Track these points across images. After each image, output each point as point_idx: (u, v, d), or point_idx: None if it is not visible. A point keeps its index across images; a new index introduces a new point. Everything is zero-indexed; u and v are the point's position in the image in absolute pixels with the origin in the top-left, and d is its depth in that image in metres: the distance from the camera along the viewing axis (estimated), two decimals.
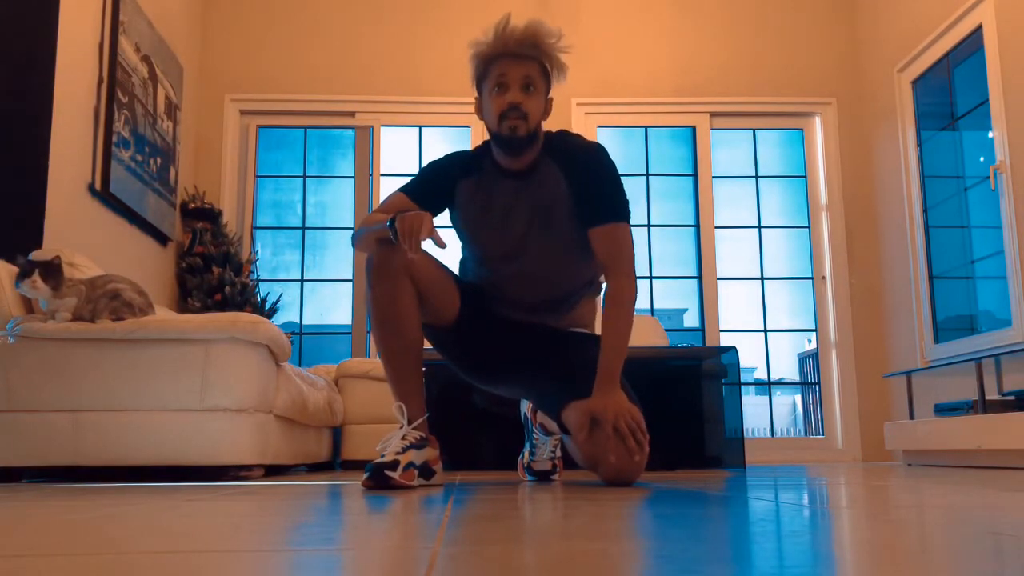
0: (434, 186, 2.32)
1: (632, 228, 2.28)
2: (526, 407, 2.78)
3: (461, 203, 2.30)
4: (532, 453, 2.73)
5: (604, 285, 2.31)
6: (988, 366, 4.22)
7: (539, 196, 2.24)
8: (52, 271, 2.73)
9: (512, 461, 3.91)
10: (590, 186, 2.22)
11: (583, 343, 2.35)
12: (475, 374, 2.46)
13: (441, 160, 2.38)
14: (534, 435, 2.71)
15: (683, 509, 1.38)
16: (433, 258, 2.29)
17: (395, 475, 2.02)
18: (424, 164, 2.41)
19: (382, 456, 2.07)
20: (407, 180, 2.38)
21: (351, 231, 5.51)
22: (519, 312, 2.38)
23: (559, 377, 2.28)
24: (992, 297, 4.56)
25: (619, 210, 2.23)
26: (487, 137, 2.31)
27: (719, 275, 5.63)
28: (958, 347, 4.68)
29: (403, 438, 2.12)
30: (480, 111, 2.29)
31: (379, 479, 2.01)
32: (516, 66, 2.20)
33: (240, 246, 5.22)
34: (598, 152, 2.26)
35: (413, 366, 2.21)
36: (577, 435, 2.15)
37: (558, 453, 2.73)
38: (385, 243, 2.15)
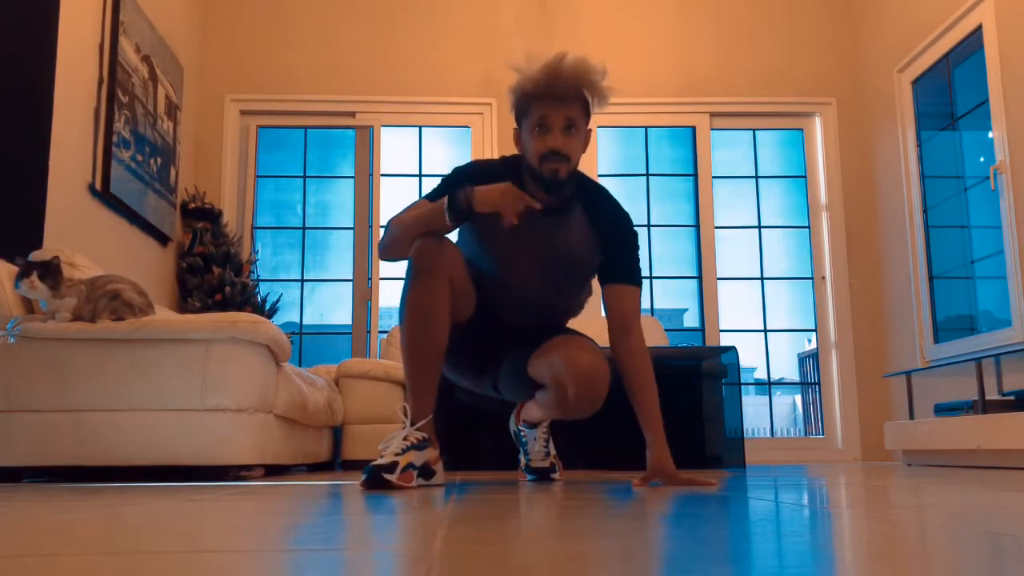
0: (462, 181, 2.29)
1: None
2: (512, 420, 2.79)
3: (483, 215, 2.21)
4: (527, 454, 2.74)
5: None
6: (988, 366, 4.22)
7: (564, 240, 2.28)
8: (50, 271, 2.73)
9: (513, 461, 3.91)
10: (622, 251, 2.34)
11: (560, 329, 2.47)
12: (467, 370, 2.51)
13: (468, 167, 2.36)
14: (522, 434, 2.71)
15: (683, 509, 1.38)
16: (462, 256, 2.29)
17: (392, 477, 2.02)
18: (449, 171, 2.37)
19: (381, 456, 2.07)
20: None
21: (351, 231, 5.52)
22: (508, 319, 2.44)
23: (531, 347, 2.35)
24: (992, 297, 4.56)
25: (639, 277, 2.38)
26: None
27: (719, 275, 5.63)
28: (958, 347, 4.68)
29: (405, 439, 2.12)
30: (519, 143, 2.28)
31: (376, 481, 2.01)
32: (559, 109, 2.18)
33: (240, 246, 5.22)
34: (629, 219, 2.39)
35: (434, 366, 2.22)
36: (534, 361, 2.27)
37: (552, 449, 2.74)
38: (431, 237, 2.17)
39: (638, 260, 2.39)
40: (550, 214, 2.25)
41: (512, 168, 2.29)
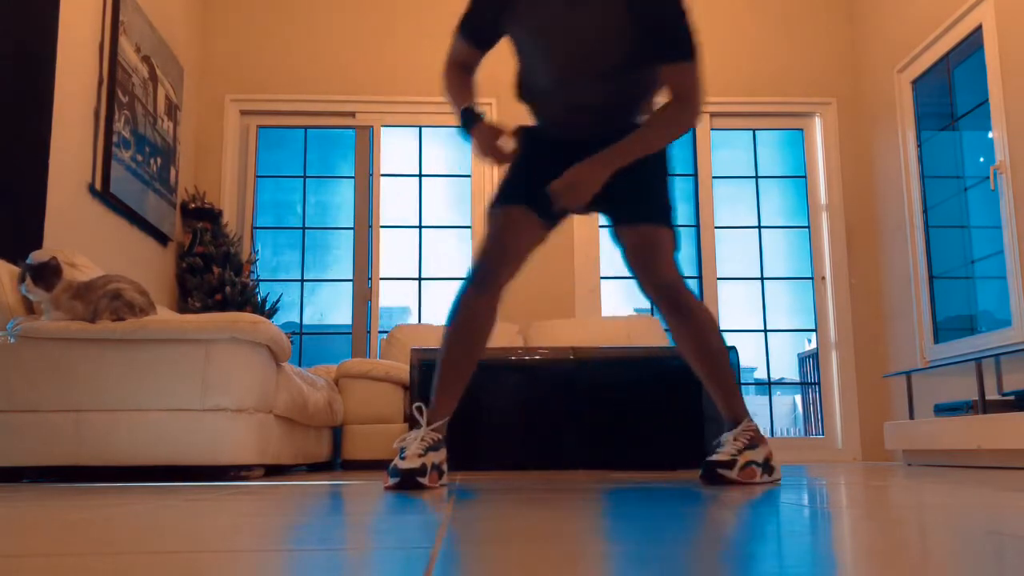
0: (483, 18, 2.23)
1: (696, 64, 2.13)
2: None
3: (514, 25, 2.18)
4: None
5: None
6: (988, 366, 4.22)
7: (589, 24, 2.11)
8: (45, 274, 2.73)
9: (512, 461, 3.91)
10: (650, 17, 2.08)
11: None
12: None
13: None
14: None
15: (683, 509, 1.38)
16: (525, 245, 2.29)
17: (425, 480, 2.05)
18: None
19: (402, 457, 2.07)
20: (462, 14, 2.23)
21: (351, 231, 5.52)
22: (575, 128, 2.31)
23: None
24: (992, 297, 4.56)
25: (676, 45, 2.10)
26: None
27: (719, 275, 5.63)
28: (958, 347, 4.68)
29: (422, 439, 2.12)
30: None
31: (409, 484, 2.03)
32: None
33: (240, 246, 5.22)
34: None
35: (466, 376, 2.24)
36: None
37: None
38: (500, 240, 2.23)
39: (682, 29, 2.07)
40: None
41: None
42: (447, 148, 5.84)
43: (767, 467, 2.24)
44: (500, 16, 2.21)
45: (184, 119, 5.15)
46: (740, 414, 2.30)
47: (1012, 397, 3.80)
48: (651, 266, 2.28)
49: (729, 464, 2.18)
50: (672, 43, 2.10)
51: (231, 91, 5.53)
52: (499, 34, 2.26)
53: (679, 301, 2.30)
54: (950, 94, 4.84)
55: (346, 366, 4.39)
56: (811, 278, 5.70)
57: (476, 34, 2.26)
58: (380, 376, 4.30)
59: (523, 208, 2.29)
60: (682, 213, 5.78)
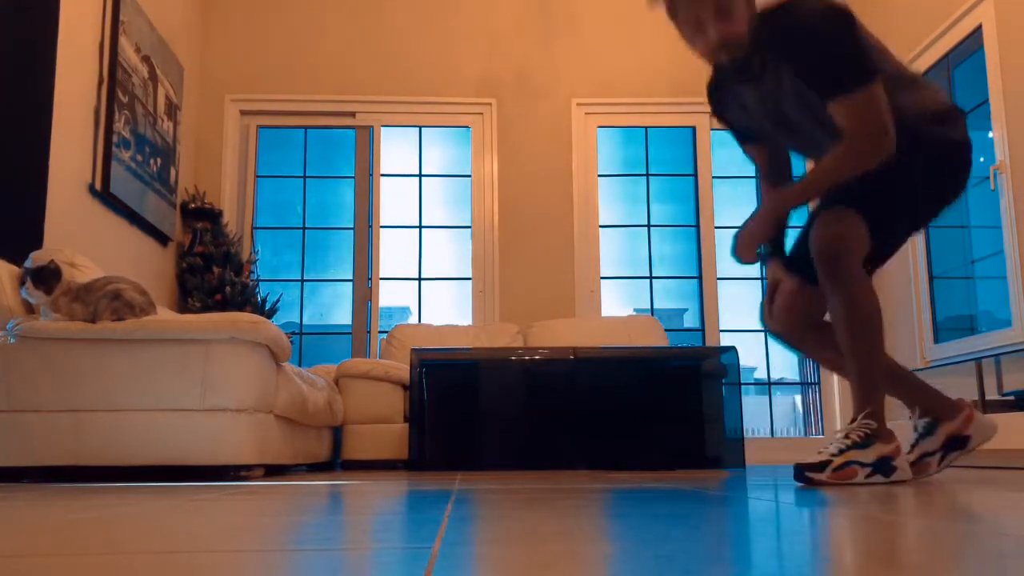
0: (717, 111, 2.46)
1: (867, 91, 2.08)
2: None
3: (725, 114, 2.42)
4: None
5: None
6: (988, 366, 4.22)
7: (777, 85, 2.19)
8: (45, 277, 2.73)
9: (512, 461, 3.91)
10: (800, 58, 2.11)
11: None
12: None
13: (708, 88, 2.46)
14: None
15: (683, 509, 1.38)
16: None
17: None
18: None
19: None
20: None
21: (351, 231, 5.53)
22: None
23: None
24: (992, 297, 4.56)
25: (836, 81, 2.08)
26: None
27: (719, 275, 5.63)
28: (958, 347, 4.68)
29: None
30: None
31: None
32: (683, 13, 2.14)
33: (240, 246, 5.22)
34: (803, 14, 2.08)
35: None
36: None
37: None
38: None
39: (834, 64, 2.08)
40: (754, 79, 2.22)
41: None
42: (447, 148, 5.84)
43: (881, 467, 2.10)
44: (726, 117, 2.44)
45: (184, 119, 5.15)
46: (858, 407, 2.18)
47: (1012, 397, 3.80)
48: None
49: (819, 466, 2.09)
50: (828, 81, 2.09)
51: (231, 91, 5.53)
52: (747, 128, 2.46)
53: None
54: (950, 94, 4.84)
55: (346, 366, 4.38)
56: None
57: (738, 137, 2.54)
58: (380, 376, 4.30)
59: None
60: (682, 213, 5.78)
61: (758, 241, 2.23)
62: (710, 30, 2.10)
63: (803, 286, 2.39)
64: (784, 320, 2.43)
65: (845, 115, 2.08)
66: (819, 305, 2.38)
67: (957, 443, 2.44)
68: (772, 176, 2.62)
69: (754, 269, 5.72)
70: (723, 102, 2.40)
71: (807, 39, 2.08)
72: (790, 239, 2.59)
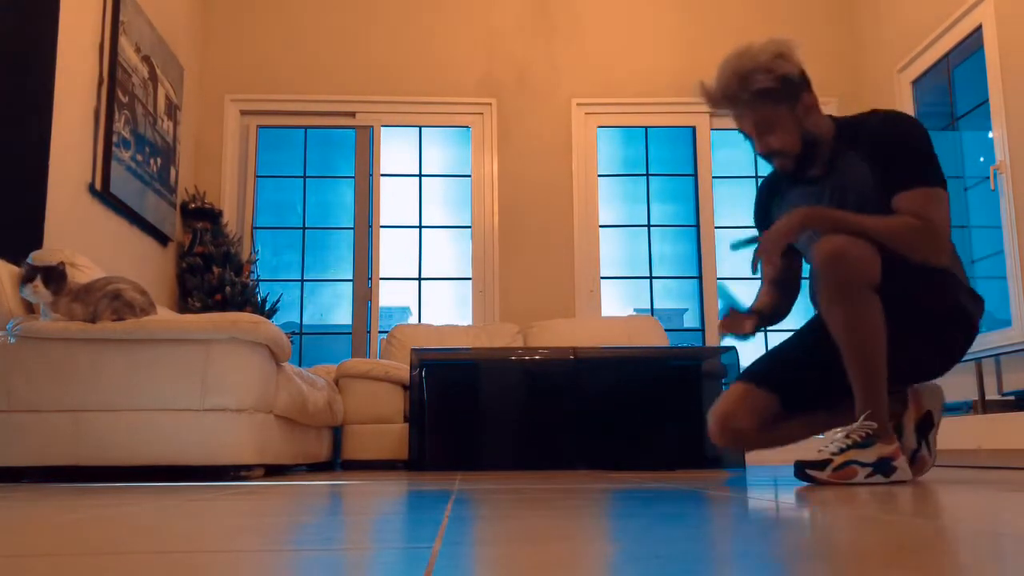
0: (759, 216, 2.56)
1: (942, 194, 2.20)
2: None
3: (771, 212, 2.47)
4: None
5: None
6: (988, 366, 4.22)
7: (842, 190, 2.24)
8: (54, 277, 2.73)
9: (512, 461, 3.91)
10: (891, 159, 2.19)
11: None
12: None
13: (761, 184, 2.57)
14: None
15: (684, 509, 1.38)
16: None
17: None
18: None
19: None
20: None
21: (351, 231, 5.53)
22: None
23: None
24: (992, 297, 4.56)
25: (921, 176, 2.18)
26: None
27: (719, 275, 5.63)
28: None
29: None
30: None
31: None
32: (744, 117, 2.22)
33: (240, 246, 5.22)
34: (898, 124, 2.21)
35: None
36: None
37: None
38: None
39: (919, 160, 2.19)
40: (815, 182, 2.29)
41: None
42: (447, 148, 5.84)
43: (881, 467, 2.10)
44: (771, 216, 2.49)
45: (184, 119, 5.15)
46: (859, 408, 2.16)
47: (1012, 397, 3.80)
48: None
49: (820, 465, 2.12)
50: (910, 173, 2.19)
51: (231, 91, 5.53)
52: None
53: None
54: (950, 94, 4.84)
55: (346, 366, 4.38)
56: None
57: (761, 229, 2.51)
58: (380, 376, 4.30)
59: None
60: (682, 213, 5.78)
61: (786, 240, 2.22)
62: (756, 142, 2.23)
63: (755, 389, 2.51)
64: (738, 425, 2.52)
65: (918, 202, 2.15)
66: (769, 407, 2.51)
67: (926, 424, 2.47)
68: (775, 288, 2.68)
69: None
70: (770, 205, 2.50)
71: (900, 135, 2.19)
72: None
